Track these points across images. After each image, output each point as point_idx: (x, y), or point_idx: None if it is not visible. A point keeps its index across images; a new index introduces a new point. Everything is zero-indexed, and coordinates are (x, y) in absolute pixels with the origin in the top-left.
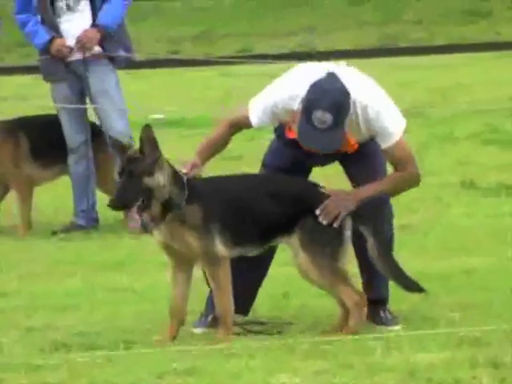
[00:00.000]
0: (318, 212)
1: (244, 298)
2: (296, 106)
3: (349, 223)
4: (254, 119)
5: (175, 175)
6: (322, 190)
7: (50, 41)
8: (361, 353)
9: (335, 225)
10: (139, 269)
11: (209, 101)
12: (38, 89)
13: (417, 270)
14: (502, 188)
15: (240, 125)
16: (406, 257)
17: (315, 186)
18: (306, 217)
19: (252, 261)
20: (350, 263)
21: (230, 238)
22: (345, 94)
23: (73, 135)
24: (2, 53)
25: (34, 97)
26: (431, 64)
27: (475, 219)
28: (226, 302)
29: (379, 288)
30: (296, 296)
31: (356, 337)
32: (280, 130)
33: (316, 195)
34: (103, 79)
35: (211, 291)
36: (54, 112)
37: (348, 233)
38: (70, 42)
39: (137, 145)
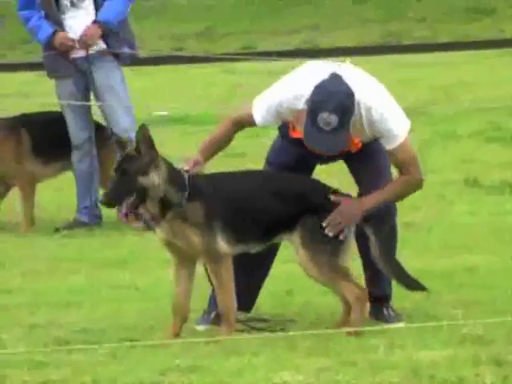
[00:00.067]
0: (324, 224)
1: (247, 296)
2: (301, 105)
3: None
4: (258, 118)
5: (173, 174)
6: (331, 197)
7: (53, 34)
8: (364, 350)
9: (341, 237)
10: (142, 266)
11: (212, 98)
12: (41, 86)
13: (420, 268)
14: (506, 186)
15: (243, 123)
16: (408, 254)
17: (322, 185)
18: (307, 214)
19: (255, 258)
20: (355, 261)
21: (232, 235)
22: (350, 95)
23: (77, 132)
24: (5, 50)
25: (37, 94)
26: (434, 62)
27: (478, 217)
28: (229, 299)
29: (382, 285)
30: (299, 293)
31: (359, 334)
32: (284, 129)
33: (318, 193)
34: (108, 75)
35: (214, 288)
36: (57, 109)
37: (348, 231)
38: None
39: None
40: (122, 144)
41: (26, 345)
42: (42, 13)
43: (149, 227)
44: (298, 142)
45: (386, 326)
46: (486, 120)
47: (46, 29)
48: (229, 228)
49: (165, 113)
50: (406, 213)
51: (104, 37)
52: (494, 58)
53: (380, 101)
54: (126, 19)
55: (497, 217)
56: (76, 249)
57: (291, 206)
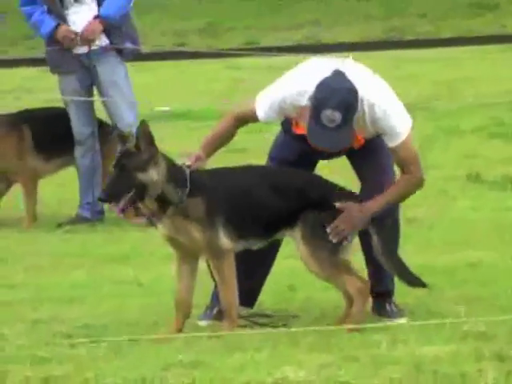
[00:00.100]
0: (328, 230)
1: (249, 291)
2: (304, 101)
3: (348, 202)
4: (261, 114)
5: (173, 171)
6: (336, 204)
7: (56, 28)
8: (366, 346)
9: (344, 243)
10: (145, 262)
11: (214, 93)
12: (43, 82)
13: (422, 264)
14: (508, 181)
15: (246, 119)
16: (411, 250)
17: (323, 180)
18: (308, 210)
19: (257, 254)
20: (356, 255)
21: (233, 231)
22: (353, 91)
23: (80, 128)
24: (7, 46)
25: (39, 90)
26: (437, 57)
27: (481, 213)
28: (231, 294)
29: (385, 281)
30: (302, 289)
31: (361, 329)
32: (287, 125)
33: (319, 188)
34: (113, 70)
35: (216, 284)
36: (59, 105)
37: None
38: None
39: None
40: (123, 139)
41: (29, 340)
42: (45, 7)
43: (151, 223)
44: (301, 138)
45: (389, 322)
46: (489, 115)
47: (49, 23)
48: (230, 223)
49: (167, 108)
50: (409, 208)
51: (106, 32)
52: (496, 53)
53: (383, 98)
54: (128, 14)
55: (499, 212)
56: (79, 244)
57: (292, 201)
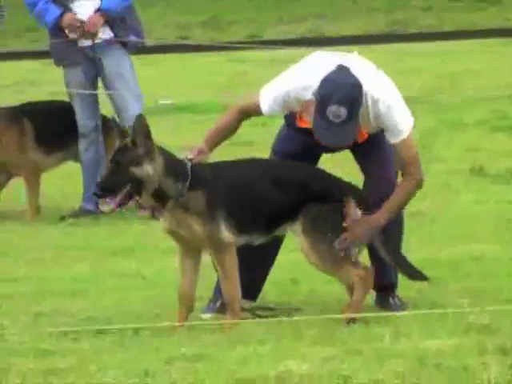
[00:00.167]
0: (336, 245)
1: (252, 285)
2: (308, 96)
3: (356, 211)
4: (265, 107)
5: (171, 165)
6: (344, 224)
7: (61, 16)
8: (369, 339)
9: (351, 252)
10: (148, 254)
11: (218, 86)
12: (47, 74)
13: (425, 257)
14: (511, 175)
15: (250, 112)
16: (414, 244)
17: (326, 174)
18: (310, 203)
19: (260, 247)
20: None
21: (235, 225)
22: (357, 86)
23: (84, 121)
24: (10, 38)
25: (42, 82)
26: (440, 50)
27: (484, 206)
28: (233, 288)
29: (388, 274)
30: (304, 282)
31: (362, 321)
32: (290, 118)
33: (321, 181)
34: (118, 62)
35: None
36: (63, 98)
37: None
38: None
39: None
40: (123, 134)
41: (32, 333)
42: None
43: (154, 216)
44: (305, 131)
45: (392, 315)
46: (492, 109)
47: (54, 11)
48: (232, 217)
49: (170, 101)
50: (412, 202)
51: (111, 25)
52: (499, 46)
53: (387, 94)
54: (132, 7)
55: (502, 205)
56: (82, 237)
57: (295, 194)
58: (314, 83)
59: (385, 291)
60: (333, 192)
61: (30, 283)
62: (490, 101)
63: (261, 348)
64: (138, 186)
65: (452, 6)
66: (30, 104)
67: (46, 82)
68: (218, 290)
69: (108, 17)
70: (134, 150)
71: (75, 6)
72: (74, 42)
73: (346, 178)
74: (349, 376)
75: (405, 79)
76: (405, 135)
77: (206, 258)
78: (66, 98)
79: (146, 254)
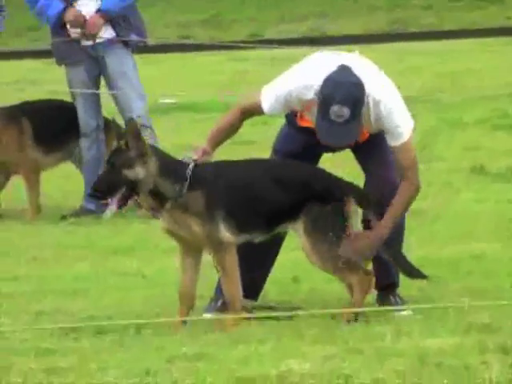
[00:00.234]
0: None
1: (253, 284)
2: (310, 95)
3: (356, 210)
4: (266, 106)
5: (166, 166)
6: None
7: (64, 11)
8: (370, 338)
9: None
10: (149, 254)
11: (219, 85)
12: (47, 73)
13: (426, 256)
14: None
15: (252, 111)
16: (415, 242)
17: (326, 173)
18: (311, 202)
19: (261, 246)
20: None
21: (235, 224)
22: (359, 86)
23: (87, 120)
24: (11, 37)
25: (43, 82)
26: (441, 49)
27: (485, 205)
28: (234, 287)
29: (389, 273)
30: (305, 280)
31: (362, 320)
32: (290, 117)
33: (322, 181)
34: (121, 61)
35: None
36: (63, 97)
37: (354, 220)
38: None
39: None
40: (120, 135)
41: (33, 332)
42: None
43: (154, 215)
44: (306, 131)
45: (393, 314)
46: (492, 107)
47: (57, 5)
48: (232, 217)
49: (172, 100)
50: None
51: (113, 24)
52: (499, 45)
53: (389, 96)
54: (134, 5)
55: (503, 204)
56: (83, 236)
57: (296, 194)
58: (316, 82)
59: (386, 290)
60: (334, 191)
61: (30, 282)
62: (490, 100)
63: (262, 347)
64: (133, 187)
65: (452, 5)
66: (28, 103)
67: (47, 81)
68: (219, 289)
69: (108, 17)
70: (127, 152)
71: (78, 5)
72: (77, 40)
73: (347, 178)
74: (350, 375)
75: (405, 78)
76: (405, 138)
77: (207, 257)
78: (66, 97)
79: (146, 253)
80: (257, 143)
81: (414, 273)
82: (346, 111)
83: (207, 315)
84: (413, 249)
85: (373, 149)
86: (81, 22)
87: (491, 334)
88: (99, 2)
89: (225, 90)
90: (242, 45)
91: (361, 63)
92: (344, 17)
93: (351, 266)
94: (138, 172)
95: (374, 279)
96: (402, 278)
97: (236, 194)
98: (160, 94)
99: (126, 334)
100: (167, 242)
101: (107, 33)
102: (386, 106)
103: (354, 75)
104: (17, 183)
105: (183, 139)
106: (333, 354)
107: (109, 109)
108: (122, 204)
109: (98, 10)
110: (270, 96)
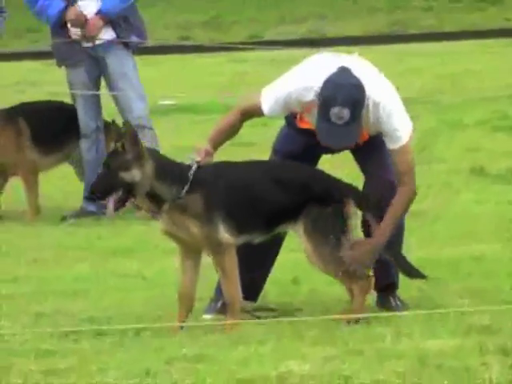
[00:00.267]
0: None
1: (252, 285)
2: (310, 97)
3: (355, 211)
4: (266, 108)
5: (165, 168)
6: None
7: (65, 9)
8: (370, 339)
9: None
10: (149, 255)
11: (219, 87)
12: (47, 75)
13: (426, 257)
14: None
15: (251, 113)
16: (415, 243)
17: (325, 175)
18: (310, 204)
19: (260, 248)
20: None
21: (235, 226)
22: (360, 88)
23: (87, 121)
24: (11, 39)
25: (43, 83)
26: (440, 51)
27: (485, 206)
28: (233, 288)
29: (389, 274)
30: (305, 282)
31: (364, 322)
32: (290, 119)
33: (321, 182)
34: (122, 62)
35: None
36: (63, 98)
37: (354, 221)
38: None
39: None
40: (118, 137)
41: (33, 333)
42: None
43: (154, 216)
44: (305, 132)
45: (393, 315)
46: (492, 109)
47: (58, 4)
48: (231, 218)
49: (172, 102)
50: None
51: (113, 25)
52: (499, 47)
53: (389, 98)
54: (134, 6)
55: (503, 206)
56: (83, 237)
57: (295, 195)
58: (316, 84)
59: (386, 291)
60: (333, 193)
61: (30, 283)
62: (490, 101)
63: (262, 348)
64: (130, 189)
65: (452, 6)
66: (26, 104)
67: (47, 82)
68: (218, 291)
69: (107, 19)
70: (124, 155)
71: (78, 6)
72: (78, 41)
73: (346, 179)
74: (350, 376)
75: (405, 80)
76: (403, 142)
77: (207, 258)
78: (66, 98)
79: (146, 254)
80: (256, 145)
81: (413, 273)
82: (346, 113)
83: (207, 316)
84: (413, 249)
85: (372, 150)
86: (82, 21)
87: (491, 335)
88: (99, 3)
89: (224, 92)
90: (241, 46)
91: (360, 65)
92: (344, 18)
93: (352, 271)
94: (135, 174)
95: (373, 280)
96: (402, 279)
97: (236, 195)
98: (159, 96)
99: (125, 335)
100: (167, 243)
101: (107, 34)
102: (385, 109)
103: (354, 77)
104: (17, 185)
105: (183, 141)
106: (333, 355)
107: (109, 109)
108: (119, 206)
109: (98, 12)
110: (269, 98)
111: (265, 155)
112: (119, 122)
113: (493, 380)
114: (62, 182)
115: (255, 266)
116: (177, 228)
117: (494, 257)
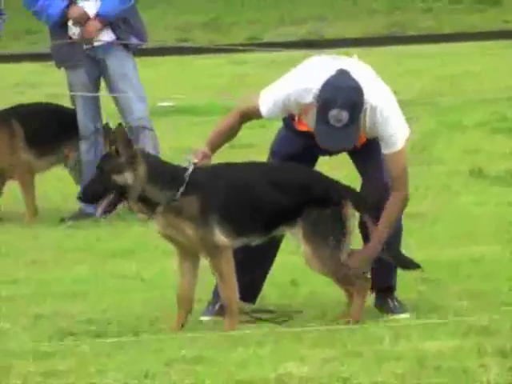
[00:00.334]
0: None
1: (251, 287)
2: (309, 99)
3: (353, 213)
4: (265, 110)
5: (158, 171)
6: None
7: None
8: (369, 341)
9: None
10: (148, 256)
11: (218, 88)
12: (47, 76)
13: (425, 259)
14: (511, 176)
15: (250, 115)
16: (414, 245)
17: (323, 177)
18: (308, 206)
19: (258, 249)
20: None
21: (231, 228)
22: (358, 90)
23: (86, 123)
24: (10, 40)
25: (43, 84)
26: (440, 52)
27: (484, 208)
28: (230, 291)
29: (387, 276)
30: (304, 284)
31: (364, 325)
32: (288, 121)
33: (319, 184)
34: (122, 64)
35: None
36: (62, 100)
37: (352, 222)
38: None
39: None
40: (112, 141)
41: (32, 335)
42: None
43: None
44: (303, 134)
45: (392, 317)
46: (492, 111)
47: (59, 3)
48: (227, 221)
49: (171, 104)
50: (412, 203)
51: (113, 27)
52: (498, 49)
53: (386, 103)
54: (134, 7)
55: (502, 207)
56: (82, 239)
57: (293, 197)
58: (315, 86)
59: (384, 292)
60: (331, 195)
61: (29, 285)
62: (489, 103)
63: (260, 350)
64: (122, 192)
65: (451, 8)
66: (20, 106)
67: (46, 83)
68: (216, 293)
69: (106, 21)
70: (117, 158)
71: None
72: (77, 42)
73: (344, 181)
74: (348, 378)
75: (405, 81)
76: (398, 147)
77: (205, 260)
78: (65, 100)
79: (145, 256)
80: (255, 146)
81: (407, 264)
82: (344, 115)
83: (205, 318)
84: (412, 251)
85: (370, 152)
86: (84, 19)
87: (490, 337)
88: (99, 4)
89: (224, 93)
90: (240, 48)
91: (359, 68)
92: (343, 20)
93: (351, 276)
94: (127, 177)
95: (370, 285)
96: (401, 281)
97: (233, 197)
98: (158, 97)
99: (124, 336)
100: (166, 244)
101: (107, 35)
102: (382, 113)
103: (353, 79)
104: (16, 186)
105: (182, 142)
106: (331, 357)
107: (109, 110)
108: (111, 210)
109: (97, 14)
110: (268, 100)
111: (263, 157)
112: (118, 123)
113: (491, 382)
114: (61, 184)
115: (253, 268)
116: (172, 230)
117: (493, 258)
